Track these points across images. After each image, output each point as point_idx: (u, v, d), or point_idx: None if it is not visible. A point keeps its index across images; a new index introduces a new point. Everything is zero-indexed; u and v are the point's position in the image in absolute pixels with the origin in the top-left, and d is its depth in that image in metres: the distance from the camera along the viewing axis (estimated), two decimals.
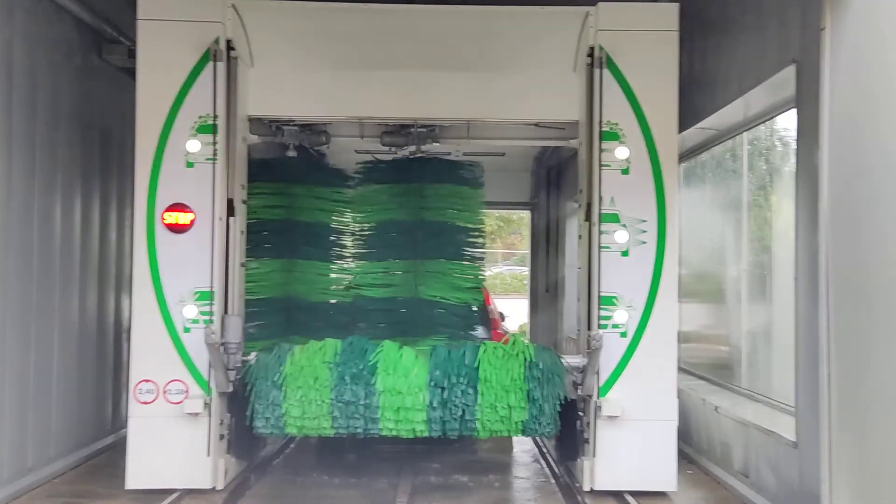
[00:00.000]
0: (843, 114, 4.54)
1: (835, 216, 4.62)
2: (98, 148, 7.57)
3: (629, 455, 6.28)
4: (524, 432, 6.44)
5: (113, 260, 7.85)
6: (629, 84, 6.40)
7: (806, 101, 5.31)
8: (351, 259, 8.22)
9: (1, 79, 5.91)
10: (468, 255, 8.05)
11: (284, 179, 7.92)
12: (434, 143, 7.28)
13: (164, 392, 6.22)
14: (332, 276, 8.14)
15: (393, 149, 7.64)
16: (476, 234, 8.12)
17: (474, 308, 8.08)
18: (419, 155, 7.64)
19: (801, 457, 5.29)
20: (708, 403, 7.23)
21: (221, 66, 6.28)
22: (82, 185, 7.23)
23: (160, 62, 6.29)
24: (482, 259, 8.24)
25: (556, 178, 12.90)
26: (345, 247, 8.26)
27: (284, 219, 7.88)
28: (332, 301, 8.09)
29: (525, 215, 14.89)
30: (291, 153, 7.57)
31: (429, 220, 7.91)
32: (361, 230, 8.19)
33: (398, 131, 7.24)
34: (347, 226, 8.28)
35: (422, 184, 7.95)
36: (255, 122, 7.02)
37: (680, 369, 7.21)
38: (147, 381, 6.21)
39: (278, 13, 6.64)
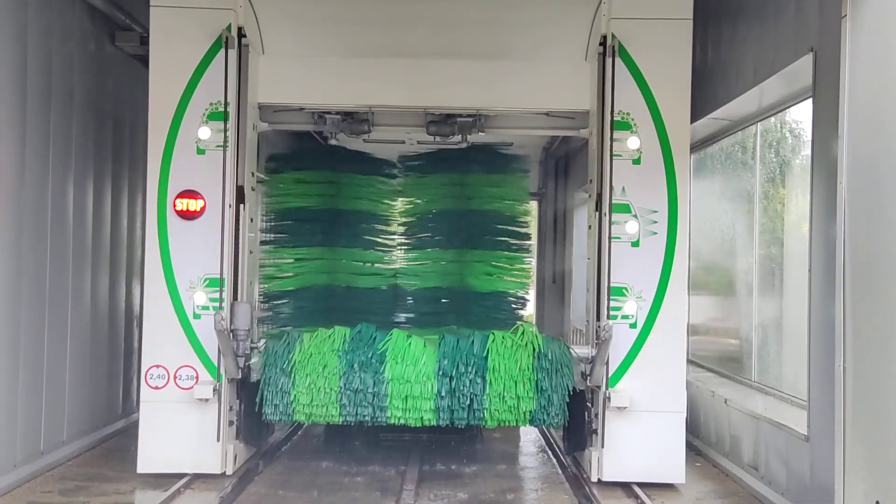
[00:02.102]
0: (862, 103, 4.48)
1: (852, 207, 4.57)
2: (111, 135, 7.60)
3: (637, 446, 6.27)
4: (532, 422, 6.46)
5: (125, 246, 7.89)
6: (641, 73, 6.35)
7: (823, 90, 5.25)
8: (396, 248, 8.25)
9: (16, 66, 5.94)
10: (513, 244, 8.03)
11: (328, 168, 7.95)
12: (480, 133, 7.19)
13: (175, 377, 6.25)
14: (376, 264, 8.16)
15: (429, 138, 7.55)
16: (521, 222, 8.08)
17: (519, 297, 8.07)
18: (439, 145, 7.60)
19: (813, 450, 5.26)
20: (717, 396, 7.20)
21: (233, 53, 6.29)
22: (95, 172, 7.26)
23: (172, 49, 6.30)
24: (528, 248, 8.21)
25: (564, 167, 12.85)
26: (389, 235, 8.29)
27: (327, 207, 7.93)
28: (376, 289, 8.11)
29: (532, 206, 14.88)
30: (334, 141, 7.54)
31: (474, 209, 7.88)
32: (407, 219, 8.21)
33: (443, 121, 7.17)
34: (392, 214, 8.30)
35: (467, 173, 7.92)
36: (297, 112, 6.99)
37: (689, 361, 7.19)
38: (158, 366, 6.25)
39: (289, 1, 6.61)
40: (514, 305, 8.01)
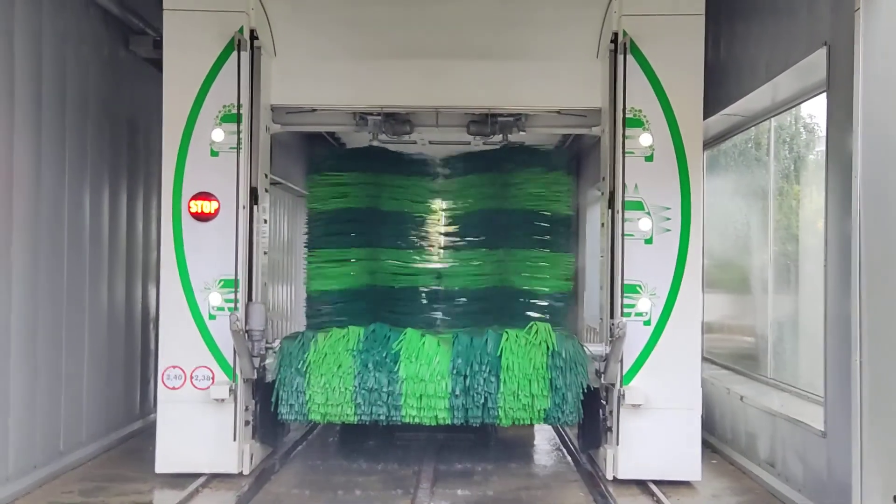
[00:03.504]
0: (877, 96, 4.45)
1: (868, 201, 4.54)
2: (125, 138, 7.67)
3: (652, 444, 6.25)
4: (546, 420, 6.45)
5: (140, 249, 7.96)
6: (653, 70, 6.33)
7: (837, 84, 5.21)
8: (438, 248, 8.29)
9: (31, 71, 6.01)
10: (555, 243, 8.03)
11: (367, 169, 8.01)
12: (521, 133, 7.18)
13: (192, 378, 6.31)
14: (418, 265, 8.20)
15: (441, 138, 7.54)
16: (564, 221, 8.07)
17: (562, 297, 8.07)
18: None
19: (830, 446, 5.23)
20: (733, 393, 7.16)
21: (245, 55, 6.33)
22: (110, 176, 7.33)
23: (186, 52, 6.35)
24: (570, 247, 8.19)
25: (576, 166, 12.85)
26: (430, 236, 8.33)
27: (368, 208, 7.98)
28: (419, 289, 8.15)
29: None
30: (376, 143, 7.49)
31: (516, 208, 7.88)
32: (449, 219, 8.25)
33: (484, 121, 7.16)
34: (434, 215, 8.34)
35: (509, 172, 7.92)
36: (338, 113, 7.03)
37: (704, 359, 7.15)
38: (175, 367, 6.31)
39: (301, 3, 6.66)
40: (556, 306, 8.00)
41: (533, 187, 7.94)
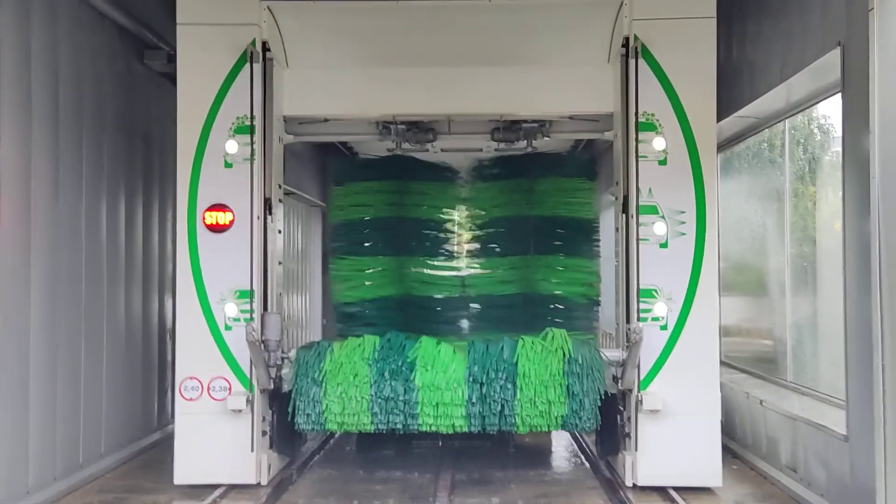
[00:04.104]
0: (892, 96, 4.40)
1: (886, 202, 4.49)
2: (141, 151, 7.75)
3: (672, 449, 6.20)
4: (564, 427, 6.41)
5: (156, 261, 8.03)
6: (665, 73, 6.32)
7: (852, 84, 5.17)
8: (464, 255, 8.32)
9: (48, 86, 6.09)
10: (583, 249, 8.02)
11: (393, 178, 8.04)
12: (545, 138, 7.22)
13: (208, 389, 6.34)
14: (444, 272, 8.23)
15: (454, 145, 7.57)
16: (590, 227, 8.04)
17: (591, 303, 8.03)
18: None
19: (853, 450, 5.16)
20: (752, 397, 7.09)
21: (258, 67, 6.38)
22: (126, 189, 7.41)
23: (199, 65, 6.41)
24: (598, 252, 8.16)
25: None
26: (457, 243, 8.37)
27: (395, 216, 8.02)
28: (445, 297, 8.18)
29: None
30: (399, 152, 7.53)
31: (541, 214, 7.87)
32: (475, 226, 8.27)
33: (509, 127, 7.19)
34: (460, 222, 8.38)
35: (533, 179, 7.92)
36: (358, 122, 7.09)
37: (722, 363, 7.09)
38: (192, 378, 6.34)
39: (312, 14, 6.70)
40: (585, 311, 7.98)
41: (557, 193, 7.94)
